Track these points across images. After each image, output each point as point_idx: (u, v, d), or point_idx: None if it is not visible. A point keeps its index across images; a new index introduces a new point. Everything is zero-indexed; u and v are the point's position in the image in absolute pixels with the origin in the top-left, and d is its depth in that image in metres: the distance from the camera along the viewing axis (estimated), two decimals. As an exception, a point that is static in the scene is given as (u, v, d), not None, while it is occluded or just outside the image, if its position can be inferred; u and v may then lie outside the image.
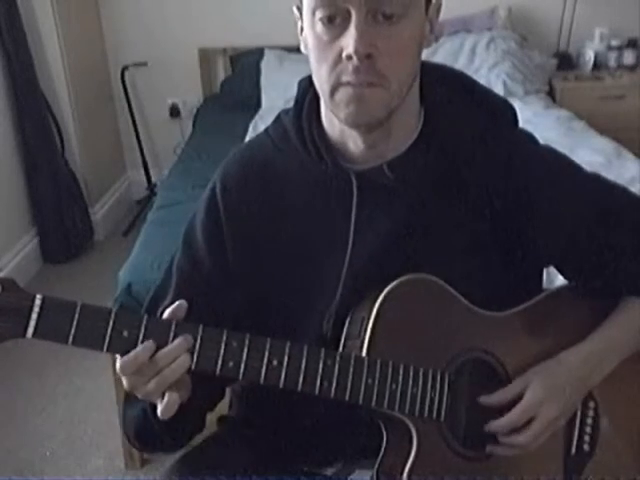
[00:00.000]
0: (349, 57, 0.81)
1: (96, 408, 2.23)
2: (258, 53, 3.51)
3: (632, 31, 3.54)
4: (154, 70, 3.65)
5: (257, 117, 3.20)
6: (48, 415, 2.24)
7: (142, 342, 0.78)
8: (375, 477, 0.90)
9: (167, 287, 1.01)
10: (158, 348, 0.79)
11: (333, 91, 0.85)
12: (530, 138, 0.98)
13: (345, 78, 0.83)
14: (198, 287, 0.99)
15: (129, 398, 0.97)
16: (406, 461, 0.87)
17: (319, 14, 0.82)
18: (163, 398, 0.82)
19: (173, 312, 0.82)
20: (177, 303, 0.83)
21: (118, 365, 0.80)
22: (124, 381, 0.84)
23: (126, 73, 3.63)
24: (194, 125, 3.50)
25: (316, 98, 0.95)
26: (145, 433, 0.96)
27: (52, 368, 2.42)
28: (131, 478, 1.97)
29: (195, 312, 0.85)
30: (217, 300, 0.98)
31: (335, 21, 0.82)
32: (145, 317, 0.79)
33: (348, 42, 0.81)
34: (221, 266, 0.98)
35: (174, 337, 0.80)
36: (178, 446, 1.00)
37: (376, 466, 0.90)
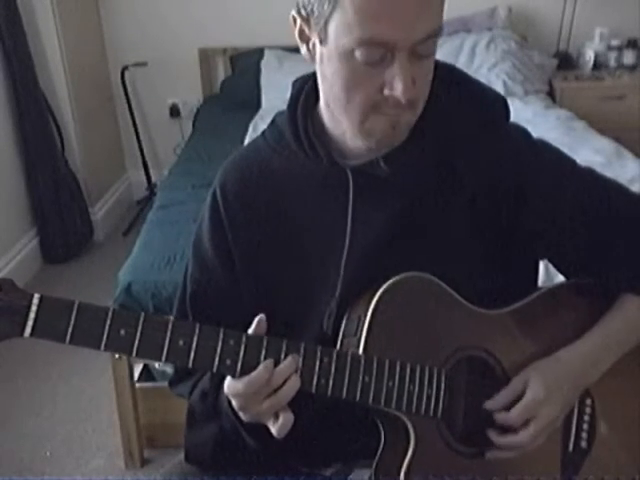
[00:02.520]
0: (394, 97, 0.81)
1: (96, 408, 2.24)
2: (258, 53, 3.52)
3: (632, 31, 3.55)
4: (154, 70, 3.66)
5: (257, 117, 3.21)
6: (48, 415, 2.24)
7: (139, 341, 0.78)
8: (374, 476, 0.90)
9: (184, 300, 1.03)
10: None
11: (364, 119, 0.85)
12: (522, 131, 0.98)
13: (383, 110, 0.83)
14: (213, 294, 1.01)
15: (191, 425, 1.03)
16: (404, 459, 0.87)
17: (360, 52, 0.80)
18: (275, 418, 0.84)
19: (255, 330, 0.84)
20: (257, 320, 0.84)
21: (241, 386, 0.81)
22: (235, 402, 0.86)
23: (126, 73, 3.63)
24: (194, 125, 3.51)
25: (311, 97, 0.95)
26: (226, 450, 0.99)
27: (52, 368, 2.42)
28: (131, 478, 1.97)
29: (213, 319, 0.85)
30: (232, 304, 0.99)
31: (377, 58, 0.80)
32: (142, 315, 0.79)
33: (395, 85, 0.80)
34: (230, 270, 0.99)
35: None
36: (263, 452, 0.96)
37: (374, 465, 0.90)
